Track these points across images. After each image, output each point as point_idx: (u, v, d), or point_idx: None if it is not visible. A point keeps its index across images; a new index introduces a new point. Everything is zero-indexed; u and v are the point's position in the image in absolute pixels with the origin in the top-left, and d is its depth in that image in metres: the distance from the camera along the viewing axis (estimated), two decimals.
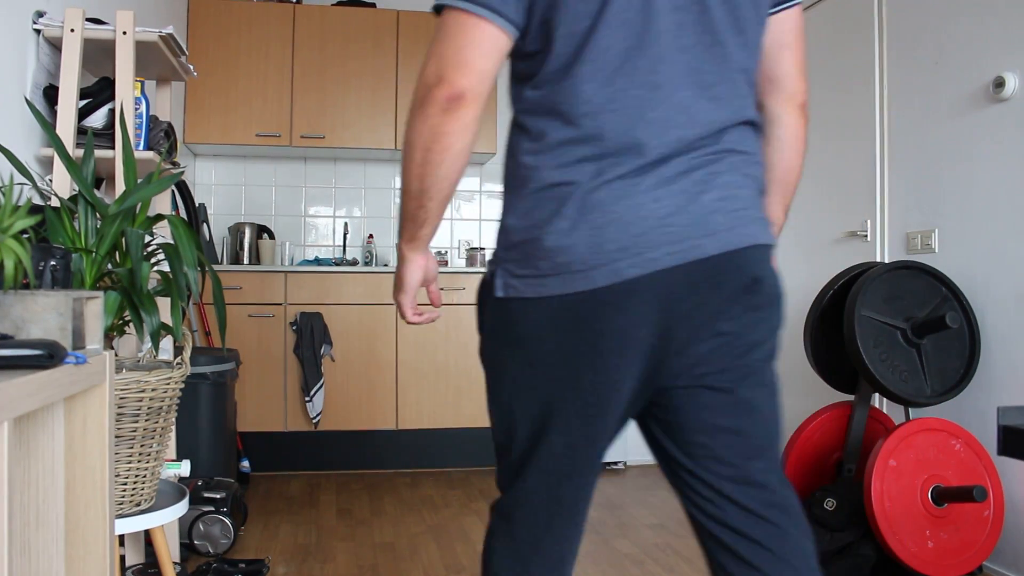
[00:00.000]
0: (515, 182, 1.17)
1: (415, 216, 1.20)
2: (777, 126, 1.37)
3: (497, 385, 1.22)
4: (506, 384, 1.20)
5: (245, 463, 3.50)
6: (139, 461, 1.68)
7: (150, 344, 1.69)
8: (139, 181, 1.75)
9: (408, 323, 1.35)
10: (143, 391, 1.64)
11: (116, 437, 1.62)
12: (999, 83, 2.49)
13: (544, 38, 1.13)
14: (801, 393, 3.54)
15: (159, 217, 1.76)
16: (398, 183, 4.49)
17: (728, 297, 1.14)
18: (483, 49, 1.11)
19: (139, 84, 2.21)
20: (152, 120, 2.31)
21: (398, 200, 4.55)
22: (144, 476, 1.71)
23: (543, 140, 1.15)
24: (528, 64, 1.16)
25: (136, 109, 2.19)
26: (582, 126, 1.12)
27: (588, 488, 1.26)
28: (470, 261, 4.16)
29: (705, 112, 1.14)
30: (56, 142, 1.76)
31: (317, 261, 4.25)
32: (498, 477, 1.29)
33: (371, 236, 4.39)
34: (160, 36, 2.22)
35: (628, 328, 1.10)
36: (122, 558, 2.21)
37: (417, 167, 1.15)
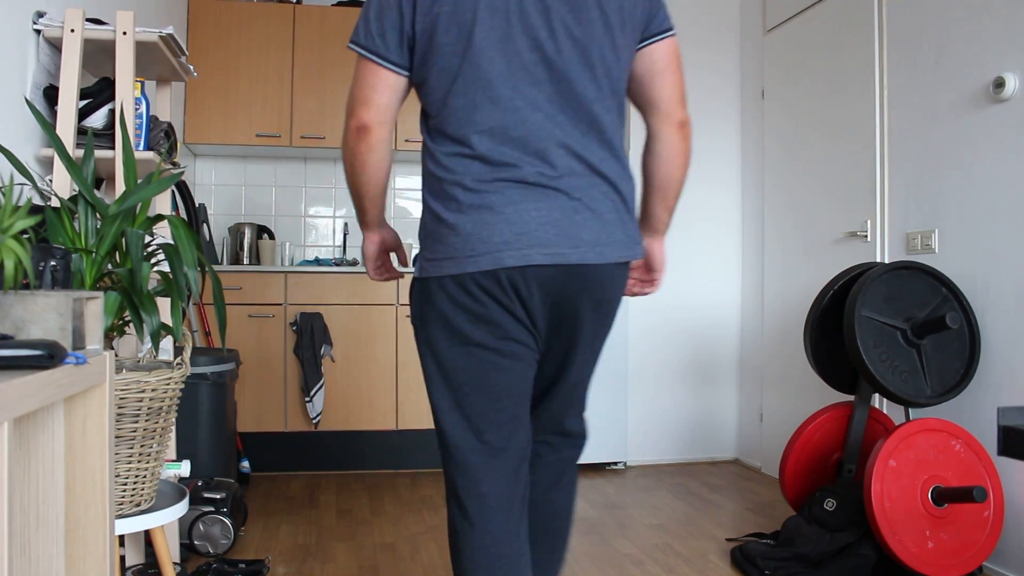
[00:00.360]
0: (424, 185, 1.53)
1: (358, 207, 1.64)
2: (657, 142, 1.66)
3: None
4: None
5: (245, 463, 3.50)
6: (139, 461, 1.68)
7: (150, 344, 1.69)
8: (139, 181, 1.75)
9: (372, 279, 1.76)
10: (143, 391, 1.64)
11: (116, 437, 1.62)
12: (999, 83, 2.49)
13: (422, 76, 1.47)
14: (801, 393, 3.54)
15: (159, 217, 1.76)
16: (398, 183, 4.50)
17: (578, 294, 1.49)
18: (379, 88, 1.47)
19: (139, 84, 2.22)
20: (152, 120, 2.31)
21: (397, 200, 4.55)
22: (144, 476, 1.71)
23: (432, 152, 1.50)
24: (420, 93, 1.51)
25: (136, 109, 2.19)
26: (454, 144, 1.47)
27: (511, 410, 1.57)
28: None
29: (556, 140, 1.46)
30: (56, 142, 1.76)
31: (317, 261, 4.25)
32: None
33: None
34: (160, 36, 2.22)
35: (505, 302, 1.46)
36: (122, 558, 2.21)
37: (348, 176, 1.57)
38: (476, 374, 1.51)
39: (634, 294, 1.79)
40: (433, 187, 1.49)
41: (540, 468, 1.69)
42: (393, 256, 1.76)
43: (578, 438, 1.77)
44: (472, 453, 1.56)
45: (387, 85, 1.47)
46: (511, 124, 1.44)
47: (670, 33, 1.59)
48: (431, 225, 1.49)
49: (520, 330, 1.49)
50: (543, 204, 1.43)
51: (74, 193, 1.73)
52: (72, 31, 2.04)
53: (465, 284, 1.44)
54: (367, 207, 1.62)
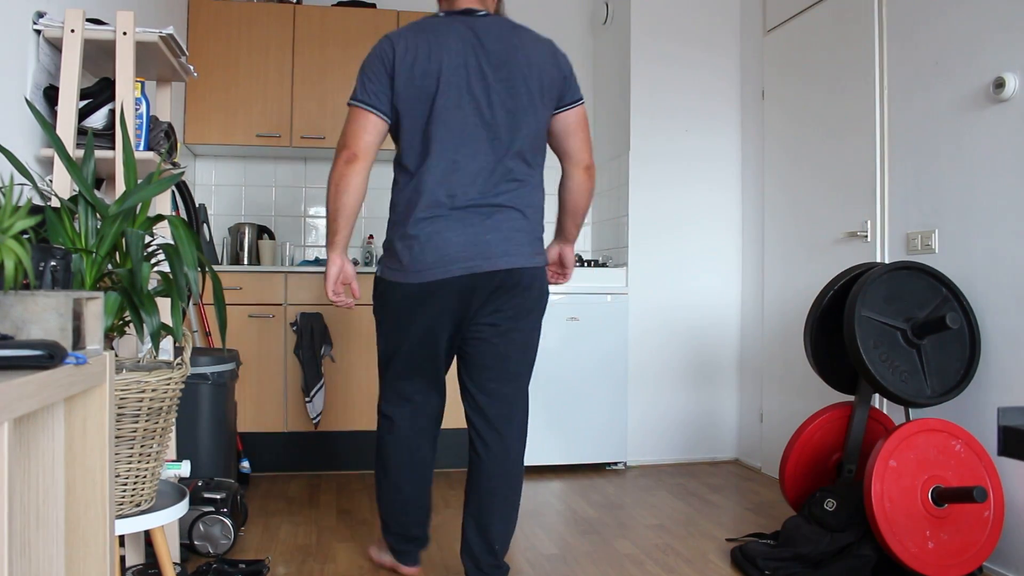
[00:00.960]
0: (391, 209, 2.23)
1: (331, 228, 2.16)
2: (569, 179, 2.32)
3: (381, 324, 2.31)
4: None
5: (245, 463, 3.50)
6: (139, 462, 1.68)
7: (150, 344, 1.69)
8: (139, 182, 1.75)
9: (328, 298, 2.24)
10: (143, 391, 1.64)
11: (116, 438, 1.62)
12: (999, 83, 2.49)
13: (397, 125, 2.11)
14: (801, 393, 3.54)
15: (159, 217, 1.76)
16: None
17: (494, 291, 2.12)
18: (367, 130, 2.09)
19: (139, 84, 2.22)
20: (152, 120, 2.31)
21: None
22: (144, 477, 1.71)
23: (399, 187, 2.17)
24: (396, 136, 2.15)
25: (136, 109, 2.19)
26: (415, 181, 2.10)
27: (426, 373, 2.28)
28: None
29: (484, 182, 2.09)
30: (56, 142, 1.76)
31: (317, 261, 4.25)
32: (380, 377, 2.35)
33: (371, 237, 4.39)
34: (160, 36, 2.22)
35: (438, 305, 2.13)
36: (122, 558, 2.21)
37: (331, 197, 2.12)
38: None
39: (552, 283, 2.42)
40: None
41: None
42: (349, 288, 2.27)
43: None
44: None
45: (375, 128, 2.09)
46: (452, 170, 2.07)
47: (579, 102, 2.24)
48: None
49: None
50: (466, 229, 2.09)
51: (74, 193, 1.73)
52: (72, 31, 2.04)
53: None
54: (340, 227, 2.15)
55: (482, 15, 2.17)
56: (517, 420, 2.27)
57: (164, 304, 1.97)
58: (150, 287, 1.64)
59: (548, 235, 2.32)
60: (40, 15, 2.08)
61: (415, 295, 2.11)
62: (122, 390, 1.60)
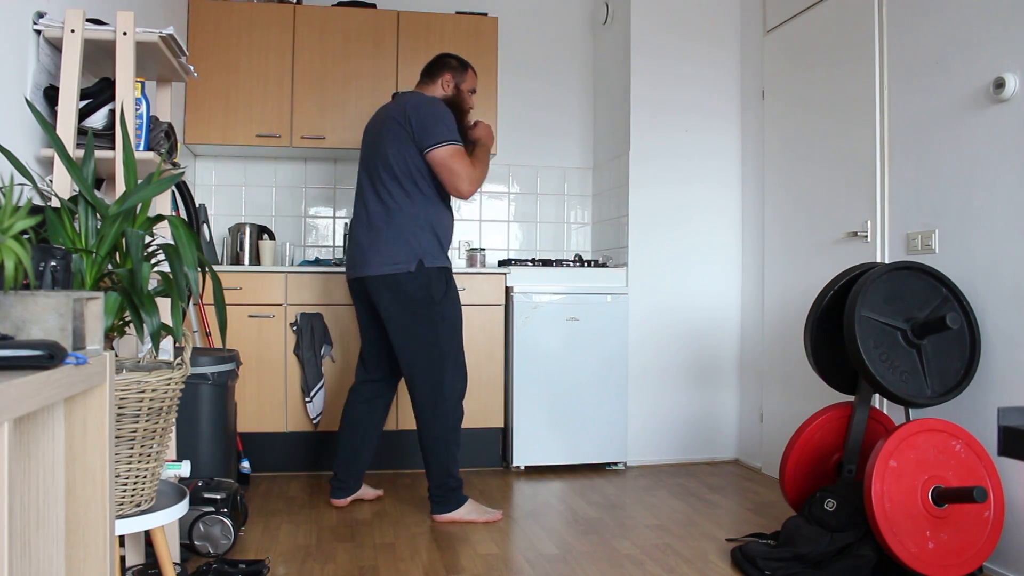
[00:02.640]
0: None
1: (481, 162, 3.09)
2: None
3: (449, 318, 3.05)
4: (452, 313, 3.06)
5: (245, 463, 3.50)
6: (139, 462, 1.68)
7: (150, 345, 1.69)
8: (139, 182, 1.75)
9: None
10: (143, 392, 1.64)
11: (116, 438, 1.62)
12: (999, 84, 2.49)
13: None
14: (801, 393, 3.54)
15: (159, 218, 1.76)
16: None
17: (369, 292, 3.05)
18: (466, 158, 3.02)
19: (139, 85, 2.22)
20: (152, 121, 2.31)
21: None
22: (144, 477, 1.71)
23: (446, 206, 3.17)
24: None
25: (136, 110, 2.19)
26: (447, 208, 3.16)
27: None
28: (470, 262, 4.16)
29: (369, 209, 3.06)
30: (56, 143, 1.76)
31: (317, 262, 4.25)
32: (442, 374, 3.00)
33: None
34: (160, 37, 2.22)
35: None
36: (122, 558, 2.21)
37: (480, 178, 3.04)
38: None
39: None
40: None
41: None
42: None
43: None
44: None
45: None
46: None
47: (430, 148, 2.94)
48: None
49: None
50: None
51: (74, 193, 1.73)
52: (72, 31, 2.04)
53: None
54: (487, 165, 3.14)
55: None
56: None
57: (164, 304, 1.97)
58: (150, 287, 1.64)
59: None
60: (40, 15, 2.08)
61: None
62: (122, 390, 1.60)
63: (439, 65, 3.19)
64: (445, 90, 3.16)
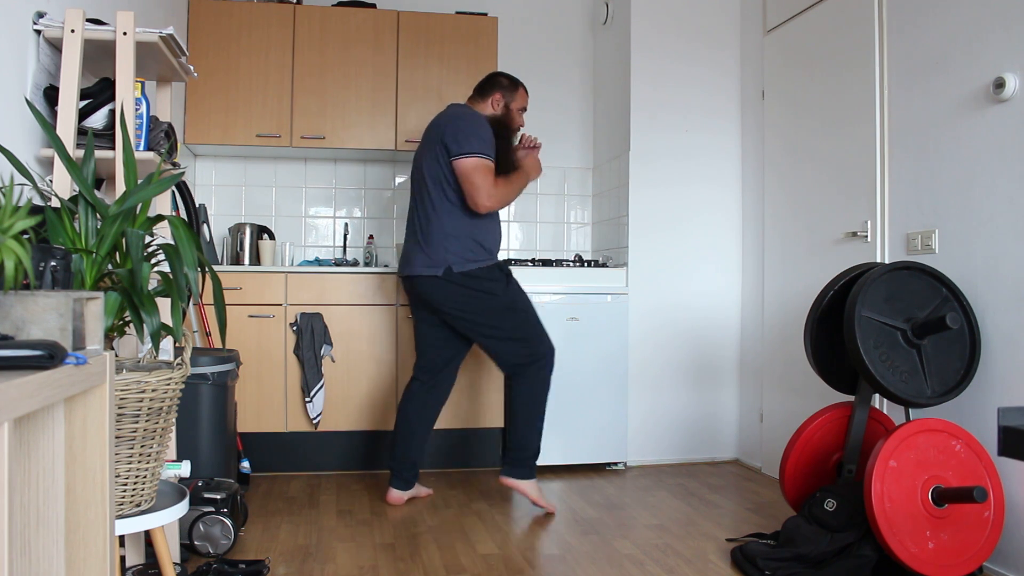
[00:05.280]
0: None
1: (516, 188, 3.21)
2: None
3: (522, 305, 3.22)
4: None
5: (245, 464, 3.50)
6: (139, 462, 1.68)
7: (150, 345, 1.69)
8: (139, 182, 1.75)
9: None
10: (143, 392, 1.64)
11: (116, 438, 1.62)
12: (999, 84, 2.49)
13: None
14: (801, 393, 3.54)
15: (159, 218, 1.76)
16: (398, 183, 4.51)
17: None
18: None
19: (139, 85, 2.22)
20: (152, 121, 2.31)
21: (398, 201, 4.55)
22: (144, 477, 1.71)
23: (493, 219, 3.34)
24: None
25: (136, 110, 2.19)
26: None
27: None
28: None
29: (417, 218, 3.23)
30: (56, 143, 1.76)
31: (317, 262, 4.25)
32: (527, 346, 3.15)
33: (371, 237, 4.39)
34: (160, 37, 2.22)
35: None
36: (122, 558, 2.21)
37: (507, 199, 3.18)
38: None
39: None
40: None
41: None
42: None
43: None
44: None
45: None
46: None
47: (456, 157, 3.06)
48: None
49: None
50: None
51: (74, 193, 1.73)
52: (72, 31, 2.04)
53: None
54: (519, 190, 3.23)
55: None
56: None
57: (164, 304, 1.97)
58: (150, 287, 1.64)
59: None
60: (40, 15, 2.08)
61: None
62: (122, 390, 1.60)
63: (490, 84, 3.29)
64: (495, 109, 3.25)
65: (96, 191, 1.79)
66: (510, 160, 3.20)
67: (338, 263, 4.22)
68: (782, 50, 3.79)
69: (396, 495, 3.25)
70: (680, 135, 4.11)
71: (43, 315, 1.10)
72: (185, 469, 2.26)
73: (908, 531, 2.26)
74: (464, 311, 3.11)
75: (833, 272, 2.95)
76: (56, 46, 2.13)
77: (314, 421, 3.69)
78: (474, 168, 3.02)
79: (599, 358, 3.87)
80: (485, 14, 4.28)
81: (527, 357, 3.12)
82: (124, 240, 1.65)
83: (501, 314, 3.12)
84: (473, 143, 3.04)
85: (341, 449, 3.79)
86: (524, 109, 3.33)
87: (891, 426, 2.71)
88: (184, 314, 1.69)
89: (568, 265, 3.99)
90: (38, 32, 2.07)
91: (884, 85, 3.06)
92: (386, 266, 4.22)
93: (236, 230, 4.10)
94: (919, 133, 2.88)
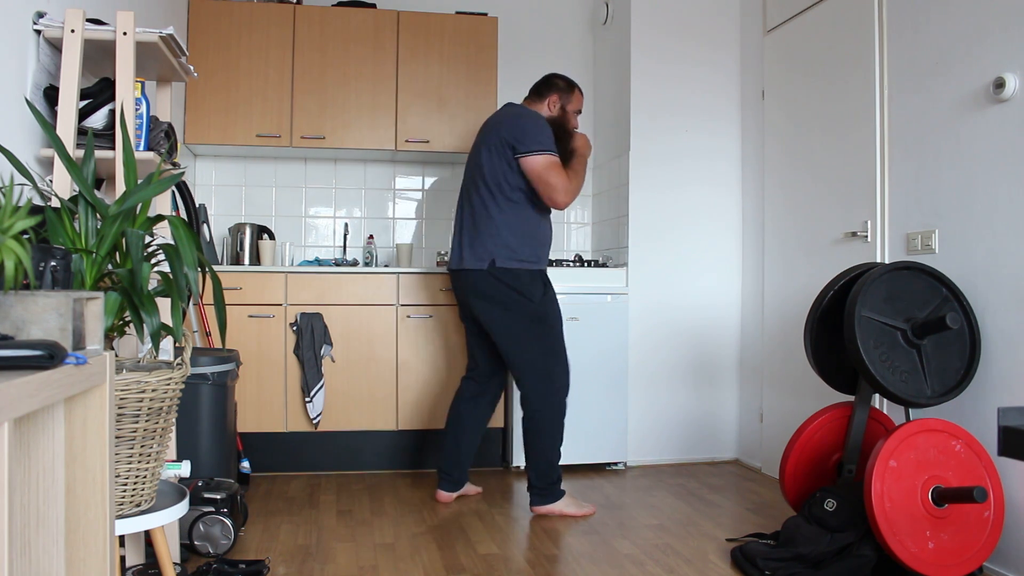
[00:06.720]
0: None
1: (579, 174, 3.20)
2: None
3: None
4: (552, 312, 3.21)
5: (245, 464, 3.50)
6: (139, 462, 1.68)
7: (150, 345, 1.69)
8: (139, 182, 1.75)
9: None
10: (143, 392, 1.64)
11: (116, 438, 1.62)
12: (999, 84, 2.49)
13: None
14: (801, 393, 3.54)
15: (159, 218, 1.76)
16: (398, 183, 4.51)
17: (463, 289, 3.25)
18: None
19: (139, 85, 2.22)
20: (152, 121, 2.31)
21: (398, 201, 4.55)
22: (144, 477, 1.71)
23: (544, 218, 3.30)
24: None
25: (136, 110, 2.19)
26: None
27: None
28: None
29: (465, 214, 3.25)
30: (56, 143, 1.76)
31: (317, 262, 4.25)
32: (546, 360, 3.14)
33: (371, 237, 4.39)
34: (160, 37, 2.22)
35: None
36: (122, 558, 2.21)
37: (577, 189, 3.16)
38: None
39: None
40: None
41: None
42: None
43: None
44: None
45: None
46: None
47: (524, 154, 3.06)
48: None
49: None
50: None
51: (74, 193, 1.73)
52: (72, 31, 2.04)
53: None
54: (583, 176, 3.22)
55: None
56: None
57: (164, 304, 1.97)
58: (150, 287, 1.64)
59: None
60: (40, 15, 2.08)
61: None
62: (122, 390, 1.60)
63: (547, 85, 3.30)
64: (551, 110, 3.26)
65: (96, 191, 1.79)
66: (568, 160, 3.19)
67: (338, 263, 4.22)
68: (782, 50, 3.79)
69: (445, 495, 3.28)
70: (680, 135, 4.10)
71: (43, 315, 1.10)
72: (185, 469, 2.26)
73: (908, 531, 2.26)
74: (495, 307, 3.09)
75: (833, 272, 2.95)
76: (56, 46, 2.13)
77: (314, 421, 3.69)
78: (546, 166, 3.02)
79: (599, 358, 3.87)
80: (485, 14, 4.28)
81: (544, 375, 3.09)
82: (124, 240, 1.65)
83: (529, 321, 3.09)
84: (540, 139, 3.04)
85: (341, 449, 3.79)
86: (579, 111, 3.32)
87: (891, 426, 2.71)
88: (184, 314, 1.69)
89: (568, 265, 3.99)
90: (38, 32, 2.07)
91: (884, 85, 3.06)
92: (386, 266, 4.22)
93: (236, 230, 4.10)
94: (919, 133, 2.88)
